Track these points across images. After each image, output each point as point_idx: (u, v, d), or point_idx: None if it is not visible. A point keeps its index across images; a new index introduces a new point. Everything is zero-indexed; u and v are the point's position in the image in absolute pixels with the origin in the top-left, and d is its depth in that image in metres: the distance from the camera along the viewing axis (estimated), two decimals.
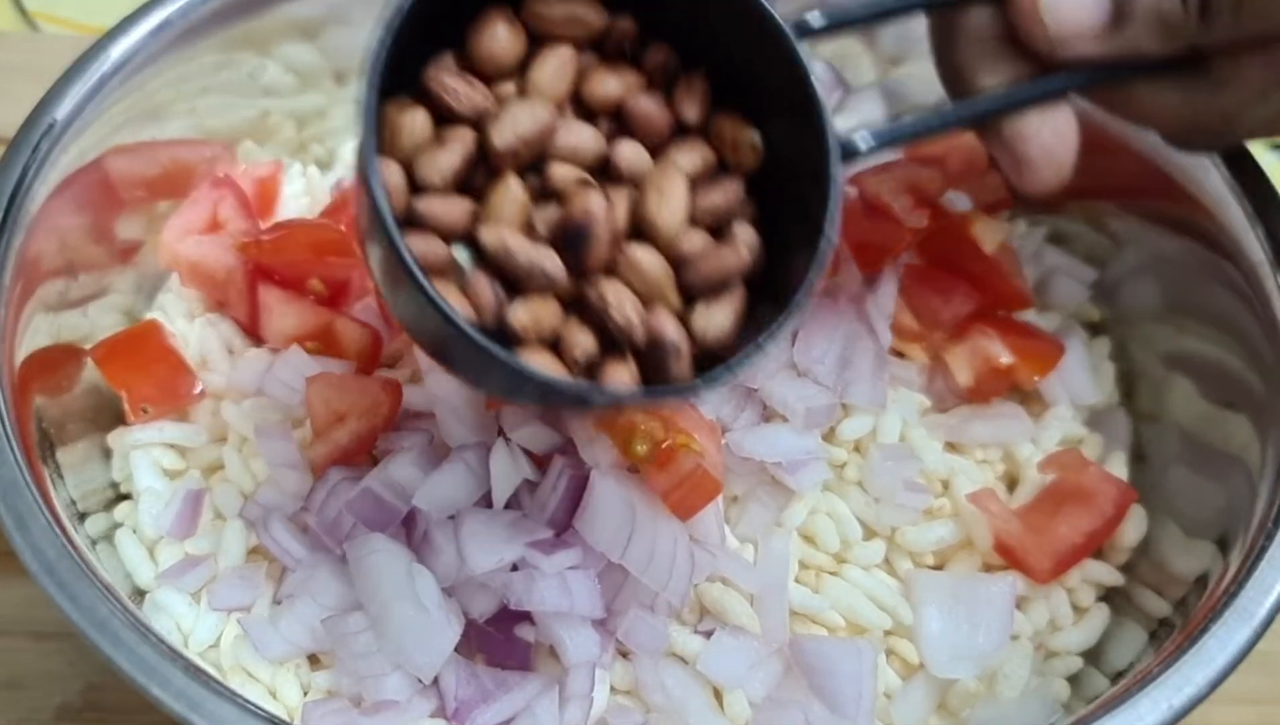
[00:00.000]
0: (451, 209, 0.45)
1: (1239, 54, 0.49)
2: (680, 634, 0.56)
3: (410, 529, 0.57)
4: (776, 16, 0.45)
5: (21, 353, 0.58)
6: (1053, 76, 0.51)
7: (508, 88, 0.47)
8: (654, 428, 0.55)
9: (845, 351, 0.61)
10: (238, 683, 0.56)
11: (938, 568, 0.61)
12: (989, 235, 0.66)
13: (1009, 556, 0.60)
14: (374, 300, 0.65)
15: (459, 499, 0.55)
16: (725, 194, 0.47)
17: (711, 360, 0.46)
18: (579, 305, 0.45)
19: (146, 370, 0.63)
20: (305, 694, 0.56)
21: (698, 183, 0.47)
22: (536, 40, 0.47)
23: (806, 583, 0.59)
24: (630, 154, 0.47)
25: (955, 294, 0.65)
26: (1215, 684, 0.48)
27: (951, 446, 0.64)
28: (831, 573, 0.60)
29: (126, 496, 0.63)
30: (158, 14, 0.64)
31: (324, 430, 0.59)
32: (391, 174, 0.45)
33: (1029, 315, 0.69)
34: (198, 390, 0.64)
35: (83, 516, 0.59)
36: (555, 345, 0.45)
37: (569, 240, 0.45)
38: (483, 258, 0.45)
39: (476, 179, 0.46)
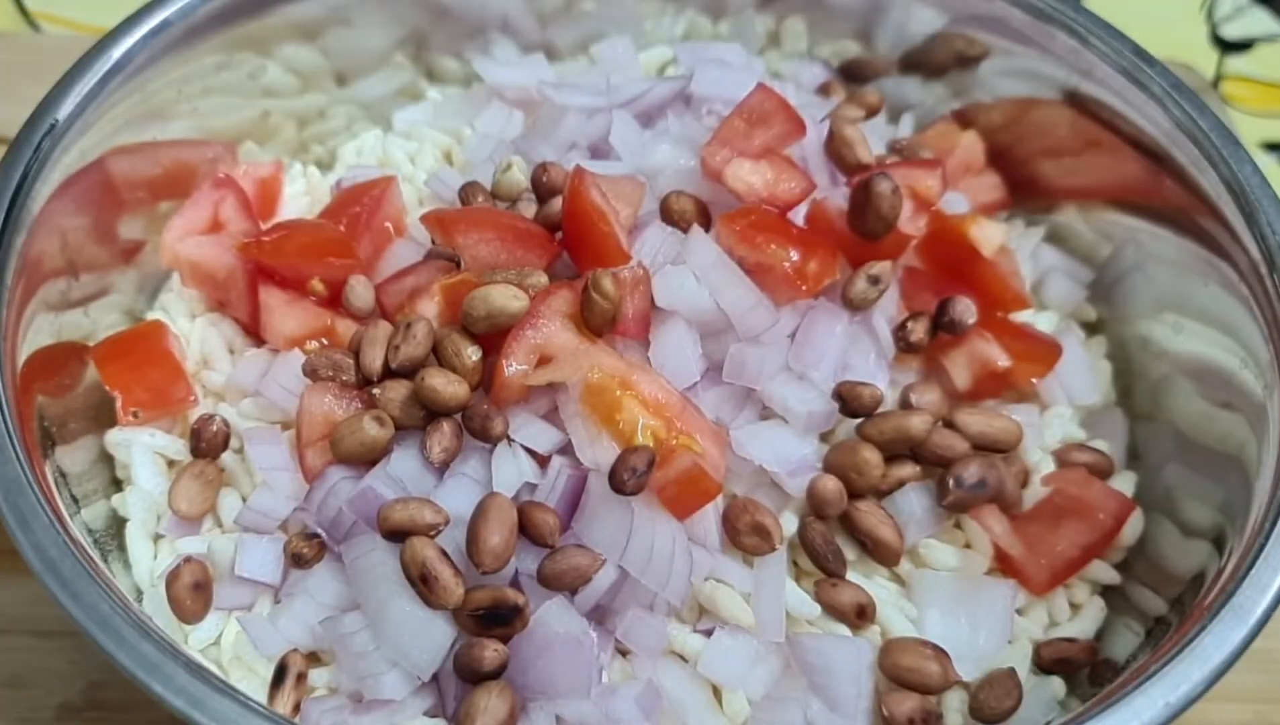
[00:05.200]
0: None
1: None
2: (679, 633, 0.56)
3: None
4: None
5: (24, 352, 0.58)
6: None
7: None
8: (657, 426, 0.55)
9: (845, 354, 0.61)
10: (238, 679, 0.56)
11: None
12: (987, 238, 0.66)
13: (1008, 568, 0.60)
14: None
15: (465, 511, 0.56)
16: None
17: None
18: None
19: (141, 373, 0.63)
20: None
21: None
22: None
23: (805, 585, 0.59)
24: None
25: (953, 296, 0.65)
26: (1212, 682, 0.48)
27: None
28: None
29: (127, 495, 0.63)
30: (159, 15, 0.64)
31: (314, 440, 0.59)
32: None
33: (1026, 314, 0.69)
34: (192, 398, 0.64)
35: (84, 515, 0.59)
36: None
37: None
38: None
39: None
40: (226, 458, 0.62)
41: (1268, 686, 0.65)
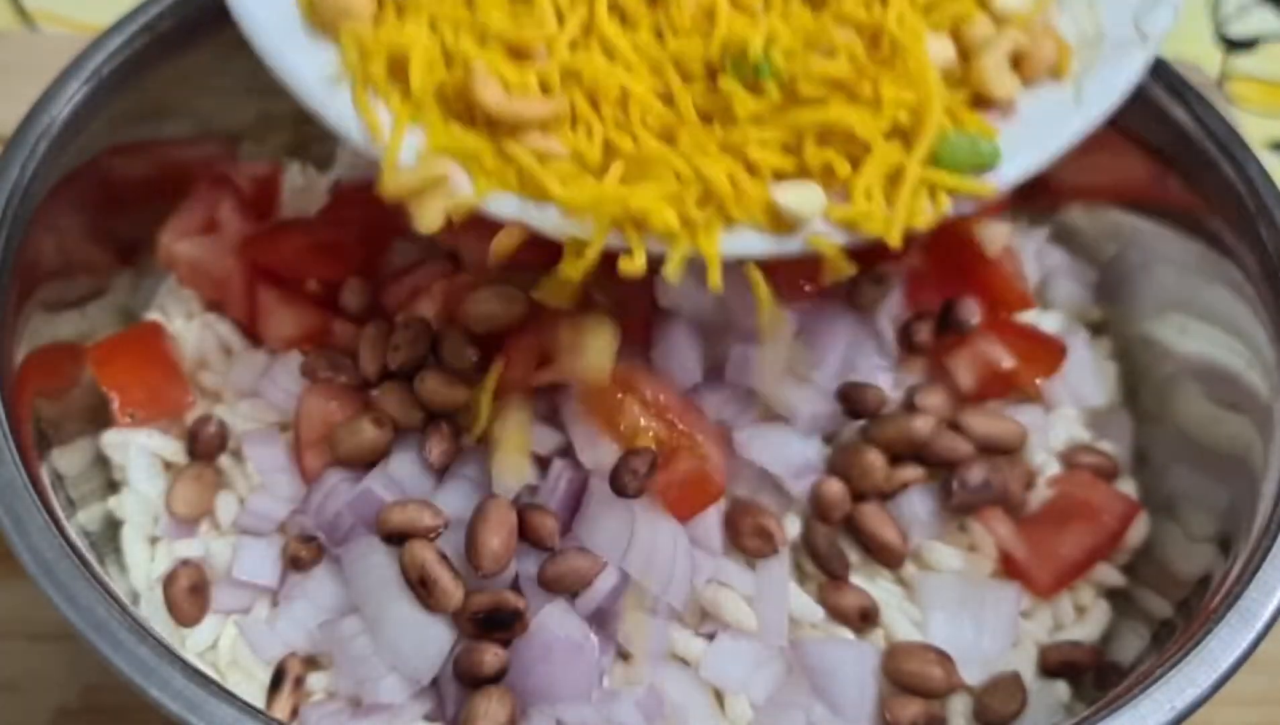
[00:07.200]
0: None
1: None
2: (681, 636, 0.56)
3: None
4: None
5: (20, 353, 0.57)
6: None
7: None
8: (658, 428, 0.55)
9: (848, 355, 0.61)
10: (236, 683, 0.56)
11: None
12: (991, 238, 0.66)
13: (1013, 570, 0.60)
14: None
15: (464, 513, 0.55)
16: None
17: None
18: None
19: (138, 374, 0.63)
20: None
21: None
22: None
23: (808, 588, 0.59)
24: None
25: (958, 297, 0.64)
26: (1218, 685, 0.48)
27: None
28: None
29: (124, 497, 0.63)
30: (155, 12, 0.64)
31: (313, 442, 0.59)
32: None
33: (1030, 315, 0.69)
34: (189, 400, 0.63)
35: (80, 517, 0.59)
36: None
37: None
38: None
39: None
40: (224, 460, 0.62)
41: (1275, 689, 0.65)
